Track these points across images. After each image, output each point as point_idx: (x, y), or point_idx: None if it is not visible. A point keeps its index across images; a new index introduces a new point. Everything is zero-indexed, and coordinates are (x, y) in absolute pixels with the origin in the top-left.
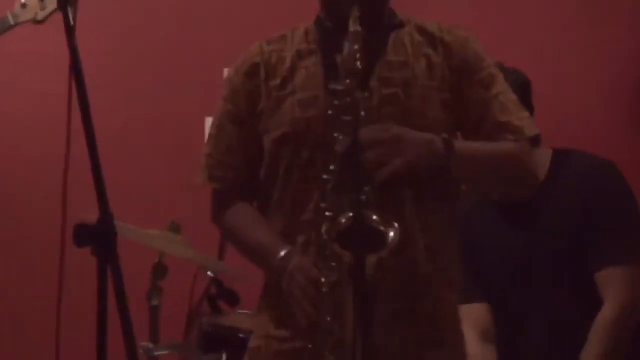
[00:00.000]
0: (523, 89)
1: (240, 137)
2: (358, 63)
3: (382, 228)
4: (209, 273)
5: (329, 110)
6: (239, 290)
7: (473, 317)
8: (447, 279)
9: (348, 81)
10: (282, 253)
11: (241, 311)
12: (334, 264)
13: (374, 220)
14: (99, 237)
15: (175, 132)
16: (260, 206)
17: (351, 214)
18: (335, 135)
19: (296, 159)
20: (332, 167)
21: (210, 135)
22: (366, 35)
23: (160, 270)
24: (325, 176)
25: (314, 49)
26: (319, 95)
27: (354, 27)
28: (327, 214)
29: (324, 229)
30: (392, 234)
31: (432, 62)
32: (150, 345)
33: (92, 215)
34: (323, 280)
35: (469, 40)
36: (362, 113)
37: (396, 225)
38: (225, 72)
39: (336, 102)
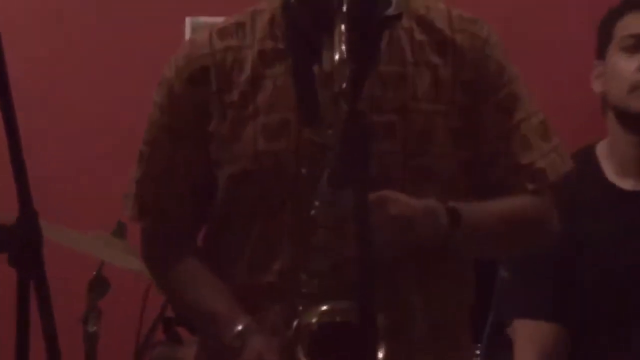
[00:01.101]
0: None
1: (183, 158)
2: (343, 103)
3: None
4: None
5: (306, 147)
6: None
7: (537, 337)
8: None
9: (330, 132)
10: (239, 327)
11: None
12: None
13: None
14: (18, 241)
15: (124, 107)
16: (208, 256)
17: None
18: (307, 173)
19: (259, 204)
20: (307, 215)
21: (140, 154)
22: (354, 36)
23: (99, 285)
24: (297, 227)
25: (282, 50)
26: (289, 119)
27: (340, 24)
28: (302, 276)
29: (290, 332)
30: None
31: (438, 77)
32: None
33: (11, 215)
34: None
35: (488, 43)
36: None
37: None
38: (187, 24)
39: (316, 157)
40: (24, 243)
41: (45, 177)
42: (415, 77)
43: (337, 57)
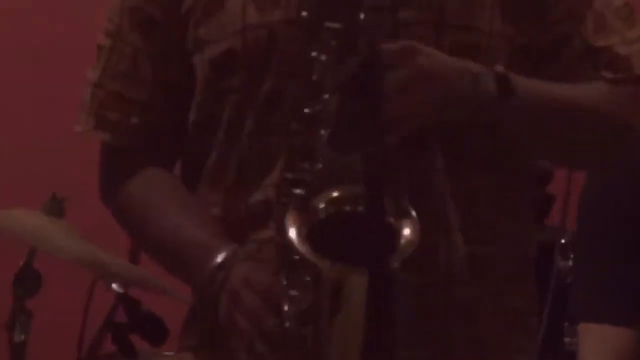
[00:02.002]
0: None
1: (153, 53)
2: None
3: (390, 220)
4: (114, 286)
5: (304, 12)
6: (166, 316)
7: (613, 348)
8: (506, 311)
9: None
10: (220, 256)
11: (168, 353)
12: (306, 279)
13: (376, 205)
14: None
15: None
16: (186, 175)
17: (336, 193)
18: (317, 55)
19: (249, 94)
20: (310, 111)
21: (99, 49)
22: None
23: (27, 280)
24: (297, 126)
25: None
26: None
27: None
28: (296, 191)
29: (289, 219)
30: (407, 230)
31: None
32: None
33: None
34: (287, 307)
35: None
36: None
37: (413, 214)
38: None
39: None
40: None
41: None
42: None
43: None
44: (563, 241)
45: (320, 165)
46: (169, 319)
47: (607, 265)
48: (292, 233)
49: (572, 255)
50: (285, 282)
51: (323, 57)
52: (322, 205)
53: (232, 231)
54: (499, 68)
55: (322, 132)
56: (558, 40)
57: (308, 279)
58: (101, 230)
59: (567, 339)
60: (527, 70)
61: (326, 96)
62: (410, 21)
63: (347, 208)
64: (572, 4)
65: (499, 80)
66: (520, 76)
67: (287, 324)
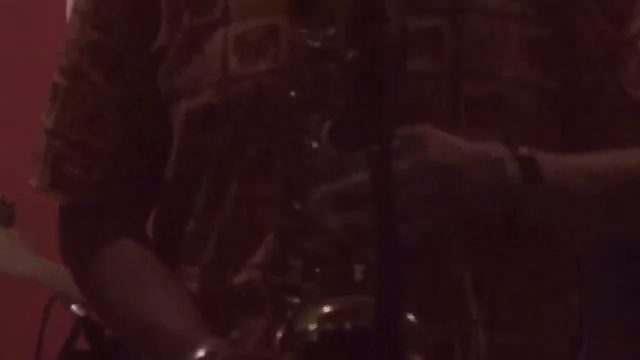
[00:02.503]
0: None
1: (119, 97)
2: None
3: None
4: (74, 308)
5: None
6: None
7: None
8: None
9: (334, 29)
10: (201, 352)
11: None
12: None
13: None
14: None
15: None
16: (158, 240)
17: (332, 307)
18: (303, 104)
19: (233, 155)
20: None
21: (54, 89)
22: None
23: None
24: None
25: None
26: (278, 25)
27: None
28: (294, 264)
29: (278, 334)
30: None
31: None
32: None
33: None
34: None
35: None
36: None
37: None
38: None
39: (314, 71)
40: None
41: None
42: None
43: None
44: None
45: (316, 269)
46: None
47: None
48: None
49: None
50: None
51: (315, 145)
52: (312, 325)
53: (211, 312)
54: (524, 150)
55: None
56: (594, 85)
57: None
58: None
59: None
60: (558, 122)
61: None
62: (421, 73)
63: (347, 325)
64: (608, 44)
65: (524, 165)
66: (550, 155)
67: None
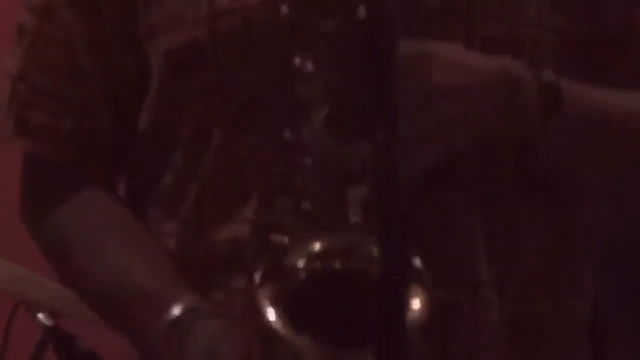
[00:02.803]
0: None
1: (94, 40)
2: None
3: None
4: (40, 317)
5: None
6: (107, 355)
7: None
8: None
9: None
10: (176, 309)
11: None
12: None
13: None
14: None
15: None
16: (132, 197)
17: (323, 244)
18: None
19: (218, 101)
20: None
21: (20, 30)
22: None
23: None
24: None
25: None
26: None
27: None
28: (274, 238)
29: (256, 275)
30: (415, 301)
31: None
32: None
33: None
34: None
35: None
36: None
37: (425, 276)
38: None
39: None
40: None
41: None
42: None
43: None
44: None
45: (306, 205)
46: (109, 354)
47: None
48: (264, 302)
49: None
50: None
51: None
52: (301, 263)
53: (190, 272)
54: (547, 74)
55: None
56: (622, 28)
57: None
58: (24, 244)
59: None
60: (583, 69)
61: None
62: (435, 8)
63: (337, 265)
64: None
65: (545, 90)
66: (573, 83)
67: None
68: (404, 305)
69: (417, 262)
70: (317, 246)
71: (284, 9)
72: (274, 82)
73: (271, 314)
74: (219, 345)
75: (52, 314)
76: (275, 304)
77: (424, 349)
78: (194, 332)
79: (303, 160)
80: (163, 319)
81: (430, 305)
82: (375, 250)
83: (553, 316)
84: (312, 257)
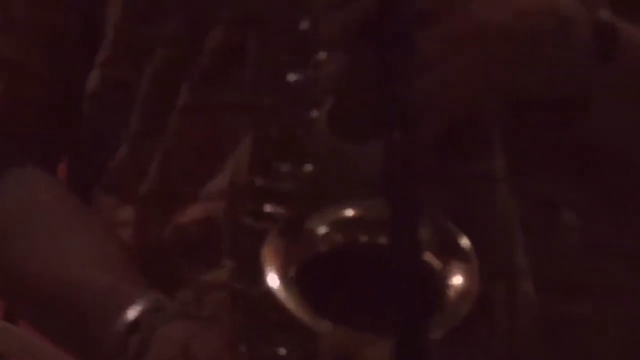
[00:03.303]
0: None
1: None
2: None
3: (431, 259)
4: None
5: None
6: None
7: None
8: None
9: None
10: (133, 311)
11: None
12: (296, 352)
13: (408, 233)
14: None
15: None
16: (77, 176)
17: (347, 212)
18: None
19: (186, 48)
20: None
21: None
22: None
23: None
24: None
25: None
26: None
27: None
28: (267, 208)
29: (267, 253)
30: (458, 277)
31: None
32: None
33: None
34: None
35: None
36: None
37: (468, 249)
38: None
39: None
40: None
41: None
42: None
43: None
44: None
45: (309, 166)
46: None
47: None
48: (273, 277)
49: None
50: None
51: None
52: (323, 231)
53: (151, 267)
54: (605, 13)
55: (314, 112)
56: None
57: (298, 352)
58: None
59: None
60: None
61: (321, 55)
62: None
63: (363, 238)
64: None
65: (600, 33)
66: (631, 25)
67: None
68: (443, 284)
69: (465, 241)
70: (340, 214)
71: None
72: (258, 16)
73: (277, 285)
74: (187, 353)
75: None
76: (285, 274)
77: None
78: (157, 338)
79: (308, 110)
80: (118, 323)
81: (478, 278)
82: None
83: (600, 317)
84: (335, 225)
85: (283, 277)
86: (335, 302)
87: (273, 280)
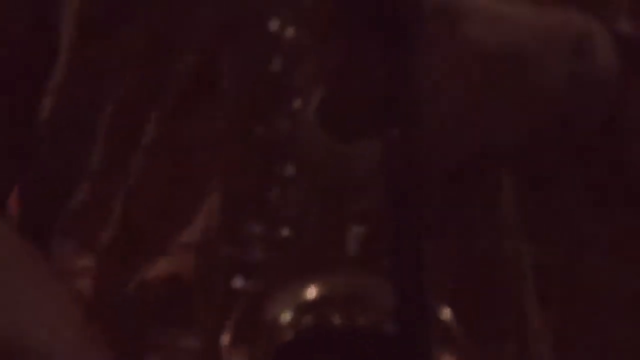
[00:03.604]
0: None
1: None
2: None
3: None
4: None
5: None
6: None
7: None
8: None
9: None
10: None
11: None
12: None
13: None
14: None
15: None
16: (30, 225)
17: (317, 290)
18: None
19: (152, 77)
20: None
21: None
22: None
23: None
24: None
25: None
26: None
27: None
28: (254, 230)
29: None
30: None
31: None
32: None
33: None
34: None
35: None
36: None
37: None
38: None
39: None
40: None
41: None
42: None
43: None
44: None
45: (286, 231)
46: None
47: None
48: None
49: None
50: None
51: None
52: (286, 316)
53: (112, 327)
54: (624, 26)
55: (289, 169)
56: None
57: None
58: None
59: None
60: None
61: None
62: None
63: (337, 319)
64: None
65: (625, 46)
66: None
67: None
68: None
69: (447, 314)
70: (307, 292)
71: None
72: (235, 35)
73: None
74: None
75: None
76: None
77: None
78: None
79: (283, 166)
80: None
81: None
82: (390, 299)
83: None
84: (302, 308)
85: None
86: None
87: None
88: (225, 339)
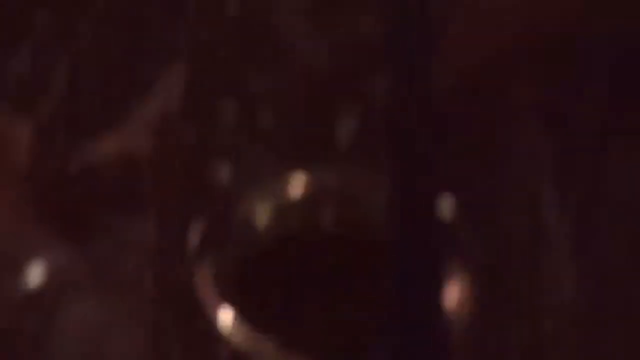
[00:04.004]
0: None
1: None
2: None
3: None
4: None
5: None
6: None
7: None
8: None
9: None
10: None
11: None
12: None
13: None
14: None
15: None
16: None
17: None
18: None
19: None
20: None
21: None
22: None
23: None
24: None
25: None
26: None
27: None
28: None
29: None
30: (454, 290)
31: None
32: None
33: None
34: None
35: None
36: None
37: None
38: None
39: None
40: None
41: None
42: None
43: None
44: None
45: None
46: None
47: None
48: (204, 288)
49: None
50: None
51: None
52: (263, 219)
53: (53, 208)
54: None
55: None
56: None
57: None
58: None
59: None
60: None
61: None
62: None
63: (325, 222)
64: None
65: None
66: None
67: None
68: (436, 292)
69: (450, 205)
70: (290, 189)
71: None
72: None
73: (218, 308)
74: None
75: None
76: (223, 291)
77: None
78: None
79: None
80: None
81: (475, 292)
82: (385, 196)
83: None
84: (281, 209)
85: (209, 282)
86: (291, 318)
87: (215, 305)
88: (193, 236)
